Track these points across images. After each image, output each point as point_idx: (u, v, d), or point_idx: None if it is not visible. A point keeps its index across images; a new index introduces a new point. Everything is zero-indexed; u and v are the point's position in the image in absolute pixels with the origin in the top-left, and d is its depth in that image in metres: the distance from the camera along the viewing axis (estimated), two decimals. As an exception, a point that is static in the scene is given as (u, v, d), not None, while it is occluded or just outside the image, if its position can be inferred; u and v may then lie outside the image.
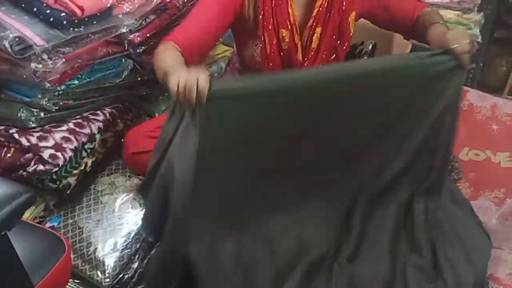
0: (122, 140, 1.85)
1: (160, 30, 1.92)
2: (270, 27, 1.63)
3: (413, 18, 1.73)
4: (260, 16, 1.63)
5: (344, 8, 1.67)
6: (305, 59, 1.71)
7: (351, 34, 1.74)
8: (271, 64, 1.69)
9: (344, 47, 1.75)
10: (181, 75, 1.28)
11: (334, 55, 1.74)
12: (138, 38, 1.85)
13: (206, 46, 1.65)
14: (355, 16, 1.72)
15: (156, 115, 2.07)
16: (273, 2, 1.61)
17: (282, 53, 1.68)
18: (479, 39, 2.41)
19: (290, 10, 1.63)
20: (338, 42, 1.72)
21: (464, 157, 2.23)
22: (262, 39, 1.65)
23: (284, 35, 1.64)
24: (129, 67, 1.89)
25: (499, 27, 2.74)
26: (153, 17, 1.90)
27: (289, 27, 1.64)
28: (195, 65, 1.39)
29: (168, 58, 1.48)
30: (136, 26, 1.81)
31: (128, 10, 1.77)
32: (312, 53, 1.70)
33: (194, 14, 1.62)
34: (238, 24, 1.68)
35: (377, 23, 1.83)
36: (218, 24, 1.62)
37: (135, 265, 1.70)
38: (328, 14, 1.66)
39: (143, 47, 1.88)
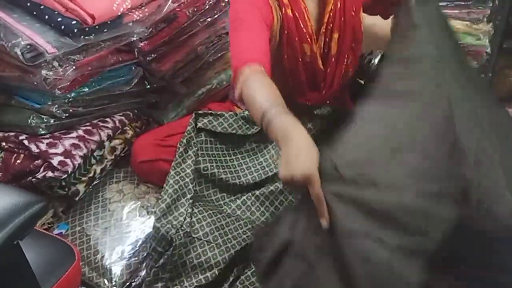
0: (131, 147, 1.86)
1: (170, 39, 1.92)
2: (294, 45, 1.62)
3: None
4: (284, 35, 1.61)
5: (355, 8, 1.66)
6: (326, 66, 1.70)
7: (362, 31, 1.72)
8: (296, 77, 1.69)
9: (359, 47, 1.74)
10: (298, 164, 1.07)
11: (352, 57, 1.73)
12: (148, 46, 1.86)
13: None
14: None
15: (165, 122, 2.07)
16: (294, 17, 1.59)
17: (304, 66, 1.68)
18: (488, 50, 2.41)
19: (308, 23, 1.62)
20: (353, 44, 1.71)
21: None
22: (285, 57, 1.64)
23: (306, 49, 1.64)
24: (139, 75, 1.90)
25: (509, 38, 2.73)
26: (163, 26, 1.91)
27: (309, 40, 1.63)
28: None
29: (259, 94, 1.26)
30: (146, 34, 1.82)
31: (138, 18, 1.78)
32: (333, 60, 1.69)
33: (242, 36, 1.47)
34: None
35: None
36: (266, 38, 1.50)
37: (143, 273, 1.69)
38: (342, 19, 1.65)
39: (153, 55, 1.89)
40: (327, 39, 1.67)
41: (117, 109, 1.91)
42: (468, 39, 2.39)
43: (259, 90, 1.28)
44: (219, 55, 2.23)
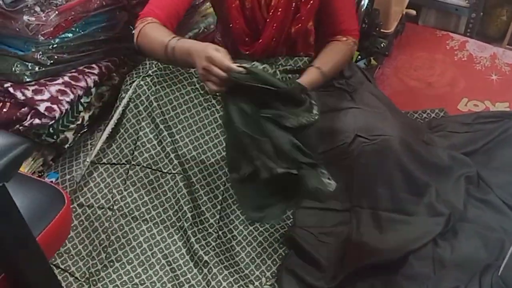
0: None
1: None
2: None
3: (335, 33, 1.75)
4: None
5: None
6: (267, 16, 1.67)
7: None
8: (237, 21, 1.67)
9: (309, 6, 1.68)
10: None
11: (298, 14, 1.69)
12: (133, -11, 1.81)
13: (183, 12, 1.65)
14: None
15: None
16: None
17: (246, 12, 1.66)
18: (480, -12, 2.38)
19: None
20: (302, 0, 1.67)
21: (463, 107, 2.23)
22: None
23: None
24: (124, 19, 1.86)
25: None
26: (147, -32, 1.86)
27: None
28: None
29: (158, 34, 1.48)
30: (130, -23, 1.78)
31: (122, -40, 1.74)
32: (273, 11, 1.66)
33: None
34: None
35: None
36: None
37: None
38: None
39: (137, -1, 1.85)
40: None
41: (103, 55, 1.88)
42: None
43: (155, 32, 1.50)
44: (205, -1, 2.18)
